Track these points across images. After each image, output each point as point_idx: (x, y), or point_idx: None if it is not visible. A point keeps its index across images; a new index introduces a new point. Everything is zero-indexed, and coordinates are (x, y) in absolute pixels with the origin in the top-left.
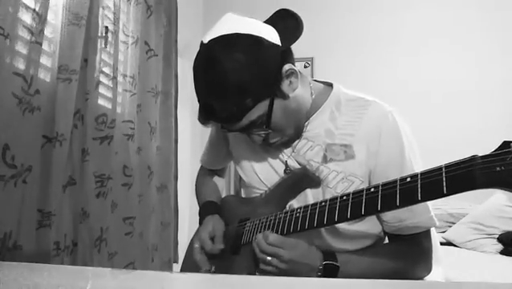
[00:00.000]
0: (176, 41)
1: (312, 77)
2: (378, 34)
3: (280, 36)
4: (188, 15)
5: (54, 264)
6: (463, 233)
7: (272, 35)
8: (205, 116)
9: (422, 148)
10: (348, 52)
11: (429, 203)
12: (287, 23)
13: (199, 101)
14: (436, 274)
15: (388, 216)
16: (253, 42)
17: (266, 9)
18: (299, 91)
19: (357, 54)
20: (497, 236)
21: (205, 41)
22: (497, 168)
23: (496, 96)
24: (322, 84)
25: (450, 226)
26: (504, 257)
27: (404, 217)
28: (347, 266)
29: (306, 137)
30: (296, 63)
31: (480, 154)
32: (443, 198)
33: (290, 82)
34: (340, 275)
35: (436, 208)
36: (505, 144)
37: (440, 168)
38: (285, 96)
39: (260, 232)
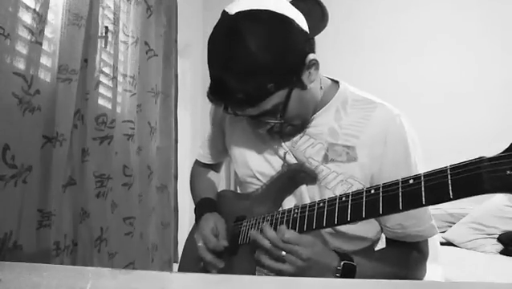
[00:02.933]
0: (176, 41)
1: None
2: (378, 35)
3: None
4: (188, 15)
5: (54, 264)
6: (463, 233)
7: (301, 20)
8: (216, 93)
9: (423, 150)
10: (348, 52)
11: (430, 211)
12: (313, 12)
13: (211, 76)
14: (436, 274)
15: (392, 222)
16: (284, 23)
17: None
18: (314, 84)
19: (357, 54)
20: (497, 236)
21: (231, 12)
22: (508, 172)
23: (497, 97)
24: (329, 80)
25: (450, 226)
26: (504, 257)
27: (407, 225)
28: (360, 267)
29: (308, 133)
30: None
31: (483, 156)
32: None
33: (310, 73)
34: (356, 276)
35: (436, 208)
36: None
37: (445, 170)
38: (303, 87)
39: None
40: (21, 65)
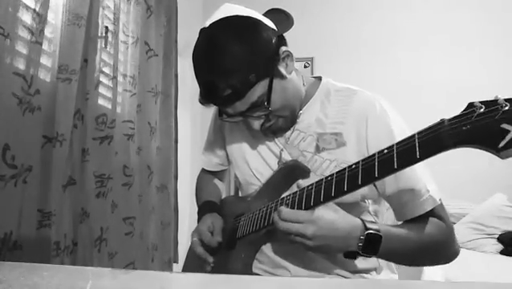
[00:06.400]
0: (176, 41)
1: None
2: (378, 34)
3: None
4: (188, 15)
5: (54, 264)
6: (463, 233)
7: (267, 21)
8: (206, 96)
9: None
10: (348, 52)
11: (427, 182)
12: (278, 16)
13: (200, 83)
14: (436, 274)
15: (391, 201)
16: (252, 22)
17: (265, 9)
18: (294, 76)
19: (357, 54)
20: (497, 236)
21: (206, 25)
22: (464, 128)
23: (499, 95)
24: (312, 78)
25: None
26: (504, 257)
27: (405, 199)
28: (386, 237)
29: (298, 129)
30: (296, 63)
31: (444, 118)
32: (445, 196)
33: (287, 64)
34: (382, 247)
35: None
36: (470, 105)
37: (413, 136)
38: (283, 76)
39: (253, 225)
40: (21, 65)
